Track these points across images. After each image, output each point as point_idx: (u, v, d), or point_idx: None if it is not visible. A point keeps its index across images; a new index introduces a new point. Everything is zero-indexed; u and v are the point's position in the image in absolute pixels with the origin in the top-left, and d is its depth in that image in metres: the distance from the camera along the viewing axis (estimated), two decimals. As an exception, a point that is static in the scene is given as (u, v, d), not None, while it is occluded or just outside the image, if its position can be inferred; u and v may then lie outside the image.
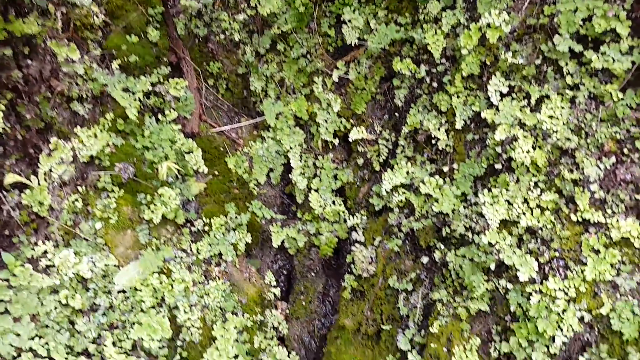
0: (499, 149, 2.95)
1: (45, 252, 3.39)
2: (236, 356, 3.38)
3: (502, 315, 2.83)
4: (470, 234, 3.00)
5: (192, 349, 3.45)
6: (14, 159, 3.51)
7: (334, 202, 4.18)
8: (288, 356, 3.73)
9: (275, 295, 3.98)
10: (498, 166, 2.96)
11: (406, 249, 3.60)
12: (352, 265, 3.82)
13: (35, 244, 3.42)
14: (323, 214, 4.18)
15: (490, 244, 2.81)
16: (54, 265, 3.36)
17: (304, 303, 4.39)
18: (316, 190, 4.23)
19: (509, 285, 2.71)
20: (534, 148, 2.87)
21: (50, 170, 3.53)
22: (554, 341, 2.58)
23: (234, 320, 3.52)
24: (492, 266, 2.76)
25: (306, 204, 4.36)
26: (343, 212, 4.14)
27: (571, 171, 2.73)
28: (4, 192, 3.44)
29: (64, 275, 3.25)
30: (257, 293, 3.94)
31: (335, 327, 4.01)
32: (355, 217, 4.03)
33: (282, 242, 4.35)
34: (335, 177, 4.27)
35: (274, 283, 4.02)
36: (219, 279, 3.72)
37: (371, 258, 3.74)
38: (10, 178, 3.45)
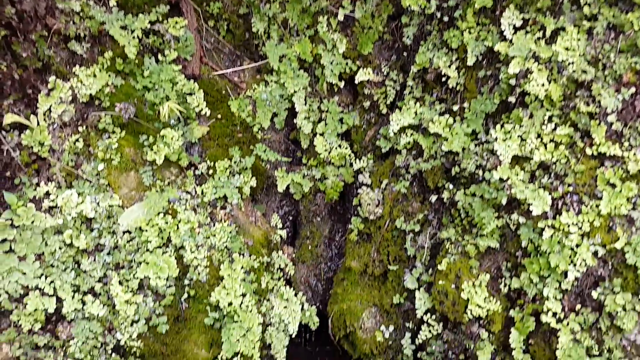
0: (512, 82, 2.85)
1: (48, 193, 3.34)
2: (244, 295, 3.37)
3: (512, 252, 2.80)
4: (480, 172, 2.94)
5: (200, 288, 3.44)
6: (12, 99, 3.42)
7: (339, 146, 4.10)
8: (295, 296, 3.73)
9: (281, 237, 3.96)
10: (511, 99, 2.86)
11: (413, 191, 3.55)
12: (358, 208, 3.78)
13: (37, 185, 3.37)
14: (329, 157, 4.10)
15: (501, 179, 2.75)
16: (56, 206, 3.31)
17: (310, 247, 4.37)
18: (321, 134, 4.15)
19: (521, 220, 2.66)
20: (548, 81, 2.77)
21: (50, 110, 3.44)
22: (566, 276, 2.56)
23: (241, 261, 3.50)
24: (504, 201, 2.70)
25: (311, 150, 4.29)
26: (349, 155, 4.06)
27: (587, 104, 2.64)
28: (4, 133, 3.37)
29: (67, 215, 3.21)
30: (263, 236, 3.91)
31: (342, 269, 4.01)
32: (362, 161, 3.97)
33: (288, 187, 4.30)
34: (341, 120, 4.18)
35: (280, 226, 3.99)
36: (224, 221, 3.68)
37: (378, 200, 3.69)
38: (9, 118, 3.36)
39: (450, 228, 3.10)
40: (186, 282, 3.40)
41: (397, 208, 3.58)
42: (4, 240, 3.11)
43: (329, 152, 4.09)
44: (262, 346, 3.73)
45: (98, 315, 3.11)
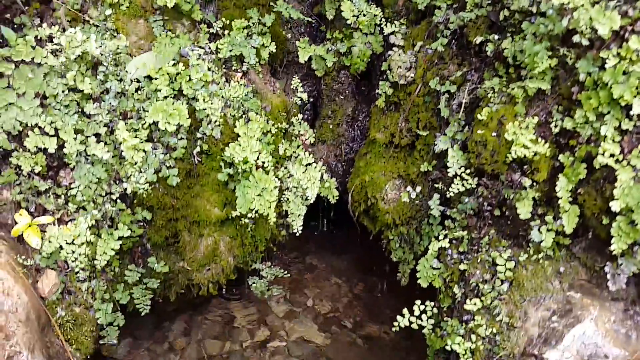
0: None
1: (51, 36, 3.05)
2: (260, 152, 3.11)
3: (565, 94, 2.46)
4: (534, 8, 2.57)
5: (214, 145, 3.18)
6: None
7: (369, 10, 3.72)
8: (315, 162, 3.47)
9: (302, 100, 3.65)
10: None
11: (451, 52, 3.19)
12: (387, 72, 3.44)
13: (40, 25, 3.09)
14: (357, 23, 3.74)
15: (560, 8, 2.38)
16: (60, 50, 3.03)
17: (331, 126, 4.08)
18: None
19: (584, 41, 2.30)
20: None
21: (52, -54, 3.11)
22: (628, 112, 2.22)
23: (258, 120, 3.22)
24: (565, 23, 2.33)
25: (337, 23, 3.92)
26: (380, 20, 3.69)
27: None
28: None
29: (70, 55, 2.93)
30: (283, 104, 3.62)
31: (365, 144, 3.73)
32: (394, 25, 3.59)
33: (309, 66, 3.98)
34: (372, -17, 3.78)
35: (300, 90, 3.66)
36: (240, 81, 3.38)
37: (410, 63, 3.35)
38: (6, -48, 3.04)
39: (494, 78, 2.76)
40: (199, 135, 3.15)
41: (431, 71, 3.24)
42: (1, 75, 2.86)
43: (357, 18, 3.72)
44: (279, 215, 3.51)
45: (102, 158, 2.87)
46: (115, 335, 3.05)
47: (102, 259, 2.83)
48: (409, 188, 3.24)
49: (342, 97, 4.12)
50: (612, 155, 2.24)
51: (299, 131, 3.58)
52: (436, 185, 3.05)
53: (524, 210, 2.50)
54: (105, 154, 2.86)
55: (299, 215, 3.46)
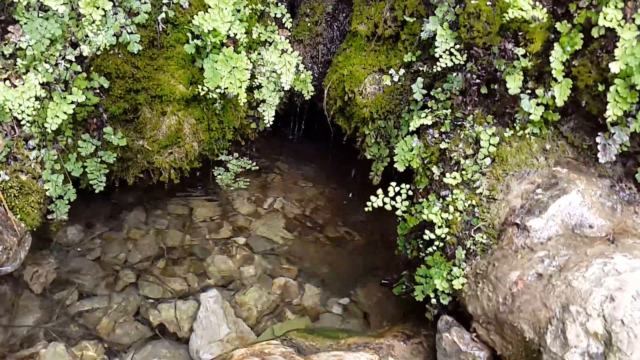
0: None
1: None
2: (232, 23, 2.85)
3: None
4: None
5: (181, 14, 2.92)
6: None
7: None
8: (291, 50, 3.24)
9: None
10: None
11: None
12: (375, -45, 3.21)
13: None
14: None
15: None
16: None
17: (309, 24, 3.83)
18: None
19: None
20: None
21: None
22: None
23: (231, -6, 2.95)
24: None
25: None
26: None
27: None
28: None
29: None
30: (258, -12, 3.36)
31: (345, 39, 3.51)
32: None
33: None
34: None
35: (279, -31, 3.39)
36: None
37: (400, -52, 3.12)
38: None
39: (489, -48, 2.57)
40: (165, 1, 2.87)
41: (421, -45, 3.02)
42: None
43: None
44: (249, 106, 3.29)
45: (57, 11, 2.57)
46: (65, 211, 2.82)
47: (53, 122, 2.56)
48: (391, 71, 3.06)
49: (322, -5, 3.87)
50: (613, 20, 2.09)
51: (275, 14, 3.33)
52: (420, 69, 2.88)
53: (513, 84, 2.36)
54: (60, 6, 2.56)
55: (271, 105, 3.24)
